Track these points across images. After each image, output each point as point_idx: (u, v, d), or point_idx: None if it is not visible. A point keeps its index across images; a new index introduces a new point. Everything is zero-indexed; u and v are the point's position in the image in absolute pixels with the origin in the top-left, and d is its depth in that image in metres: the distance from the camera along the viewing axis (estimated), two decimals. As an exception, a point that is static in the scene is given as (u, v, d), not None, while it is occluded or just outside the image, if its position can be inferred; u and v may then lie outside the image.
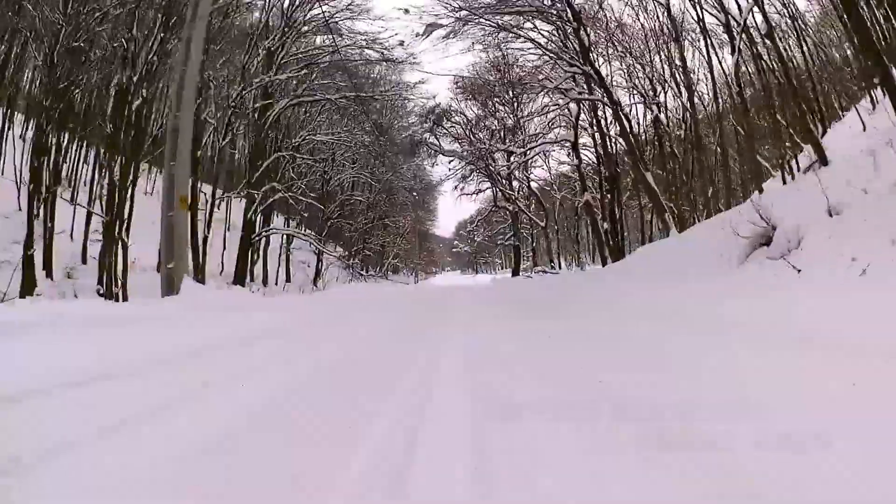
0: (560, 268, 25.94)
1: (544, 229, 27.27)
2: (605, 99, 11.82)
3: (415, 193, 37.68)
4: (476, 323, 6.80)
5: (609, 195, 13.31)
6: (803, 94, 10.51)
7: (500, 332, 5.67)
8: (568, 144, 17.16)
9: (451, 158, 28.22)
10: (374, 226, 37.57)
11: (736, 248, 6.94)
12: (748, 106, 9.50)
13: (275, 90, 18.39)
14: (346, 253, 33.31)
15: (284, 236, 23.09)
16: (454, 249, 68.82)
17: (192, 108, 7.89)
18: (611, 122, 14.95)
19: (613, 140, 16.06)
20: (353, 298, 13.62)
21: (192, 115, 8.08)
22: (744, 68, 11.00)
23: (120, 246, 11.09)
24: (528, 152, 19.25)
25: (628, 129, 11.65)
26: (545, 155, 26.87)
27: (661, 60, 13.38)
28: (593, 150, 20.52)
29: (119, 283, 9.41)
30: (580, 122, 16.97)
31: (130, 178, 10.06)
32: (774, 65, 10.02)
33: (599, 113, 14.08)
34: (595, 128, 14.67)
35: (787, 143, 10.07)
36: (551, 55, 13.33)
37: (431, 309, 10.05)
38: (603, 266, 17.99)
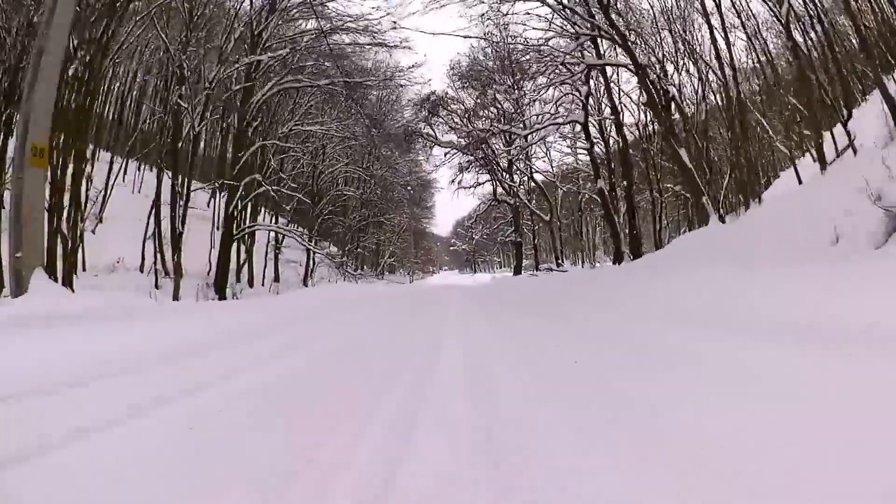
0: (562, 265, 24.58)
1: (549, 224, 25.70)
2: (629, 63, 10.29)
3: (410, 188, 36.29)
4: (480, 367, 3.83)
5: (626, 180, 11.89)
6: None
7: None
8: (578, 127, 15.77)
9: (448, 151, 26.86)
10: (368, 223, 36.23)
11: (866, 225, 5.12)
12: (803, 71, 8.13)
13: (259, 75, 16.98)
14: (340, 252, 31.97)
15: (273, 234, 21.71)
16: (452, 248, 67.39)
17: (67, 24, 5.65)
18: (631, 91, 13.68)
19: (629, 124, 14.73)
20: (330, 299, 12.20)
21: (67, 35, 5.85)
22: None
23: (74, 239, 9.74)
24: (533, 135, 17.73)
25: (657, 98, 10.23)
26: (547, 148, 25.53)
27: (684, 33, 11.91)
28: (599, 140, 19.19)
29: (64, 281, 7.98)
30: (588, 109, 15.64)
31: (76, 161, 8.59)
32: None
33: (613, 88, 12.78)
34: (607, 103, 13.25)
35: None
36: (563, 9, 11.55)
37: (415, 315, 8.47)
38: (615, 263, 16.56)
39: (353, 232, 32.40)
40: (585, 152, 23.41)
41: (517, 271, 28.69)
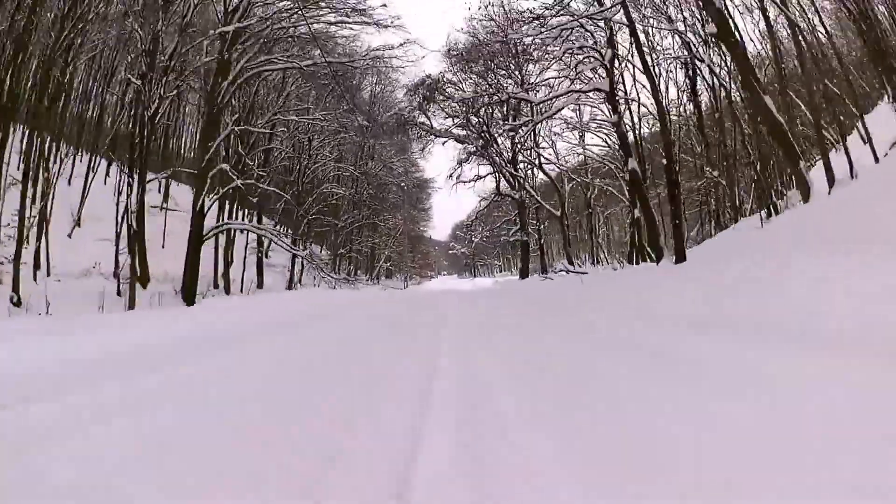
0: (581, 265, 21.95)
1: (559, 219, 22.82)
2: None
3: (404, 184, 34.23)
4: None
5: (666, 156, 9.63)
6: None
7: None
8: (585, 117, 13.77)
9: (446, 140, 24.58)
10: (362, 225, 34.15)
11: None
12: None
13: (236, 55, 14.89)
14: (331, 255, 29.88)
15: (253, 235, 19.63)
16: (451, 251, 65.17)
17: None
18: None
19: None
20: (299, 309, 10.28)
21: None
22: None
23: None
24: (548, 106, 15.30)
25: (737, 37, 8.10)
26: (553, 141, 23.44)
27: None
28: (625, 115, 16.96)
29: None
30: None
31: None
32: None
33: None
34: (639, 67, 11.04)
35: None
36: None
37: (396, 334, 6.49)
38: (635, 264, 14.30)
39: (346, 234, 30.32)
40: (600, 140, 21.45)
41: (524, 274, 26.55)
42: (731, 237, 10.96)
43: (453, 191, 27.76)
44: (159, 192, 21.77)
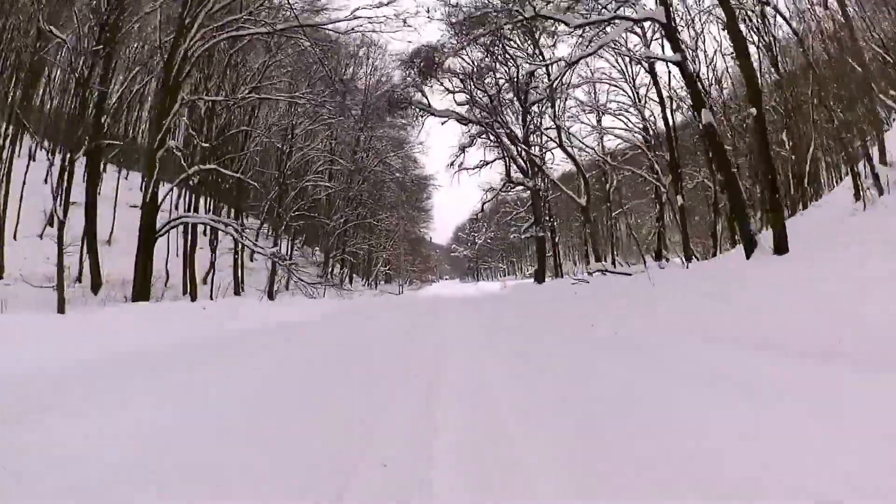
0: (623, 265, 18.52)
1: (585, 211, 18.36)
2: None
3: (399, 175, 31.60)
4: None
5: (754, 105, 6.75)
6: None
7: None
8: (657, 27, 10.60)
9: (446, 119, 21.60)
10: (358, 225, 31.55)
11: None
12: None
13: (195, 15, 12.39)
14: (323, 257, 27.30)
15: (223, 234, 17.06)
16: (452, 254, 61.88)
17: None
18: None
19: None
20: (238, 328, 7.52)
21: None
22: None
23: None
24: (588, 35, 11.95)
25: None
26: (566, 131, 20.70)
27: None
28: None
29: None
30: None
31: None
32: None
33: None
34: None
35: None
36: None
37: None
38: (686, 261, 11.50)
39: (338, 235, 27.73)
40: (621, 124, 18.87)
41: (539, 276, 22.21)
42: (822, 220, 8.40)
43: (454, 182, 24.46)
44: (141, 187, 19.41)
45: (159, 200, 12.85)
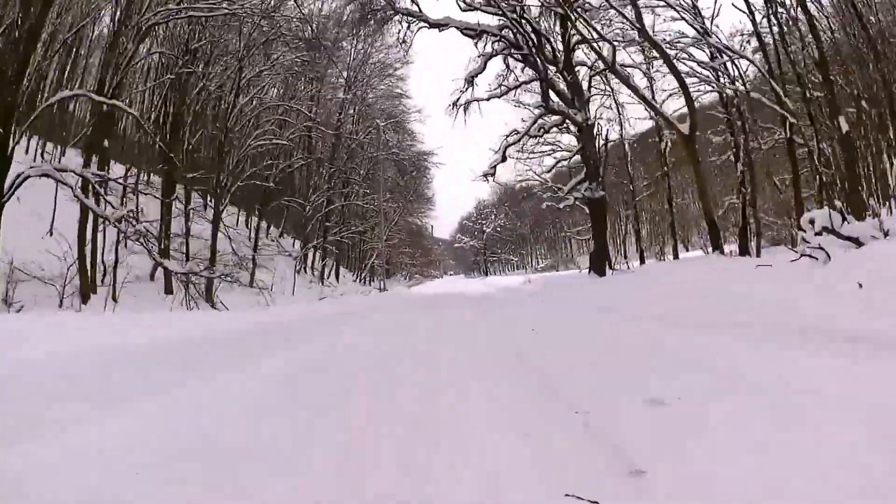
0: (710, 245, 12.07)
1: (689, 143, 11.22)
2: None
3: (394, 151, 26.75)
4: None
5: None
6: None
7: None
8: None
9: (444, 26, 14.41)
10: (347, 209, 26.49)
11: None
12: None
13: None
14: (303, 248, 22.32)
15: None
16: (457, 245, 55.31)
17: None
18: None
19: None
20: None
21: None
22: None
23: None
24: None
25: None
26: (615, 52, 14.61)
27: None
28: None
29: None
30: None
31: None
32: None
33: None
34: None
35: None
36: None
37: None
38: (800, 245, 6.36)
39: (319, 220, 22.72)
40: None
41: (598, 267, 14.80)
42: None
43: (461, 123, 17.02)
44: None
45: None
